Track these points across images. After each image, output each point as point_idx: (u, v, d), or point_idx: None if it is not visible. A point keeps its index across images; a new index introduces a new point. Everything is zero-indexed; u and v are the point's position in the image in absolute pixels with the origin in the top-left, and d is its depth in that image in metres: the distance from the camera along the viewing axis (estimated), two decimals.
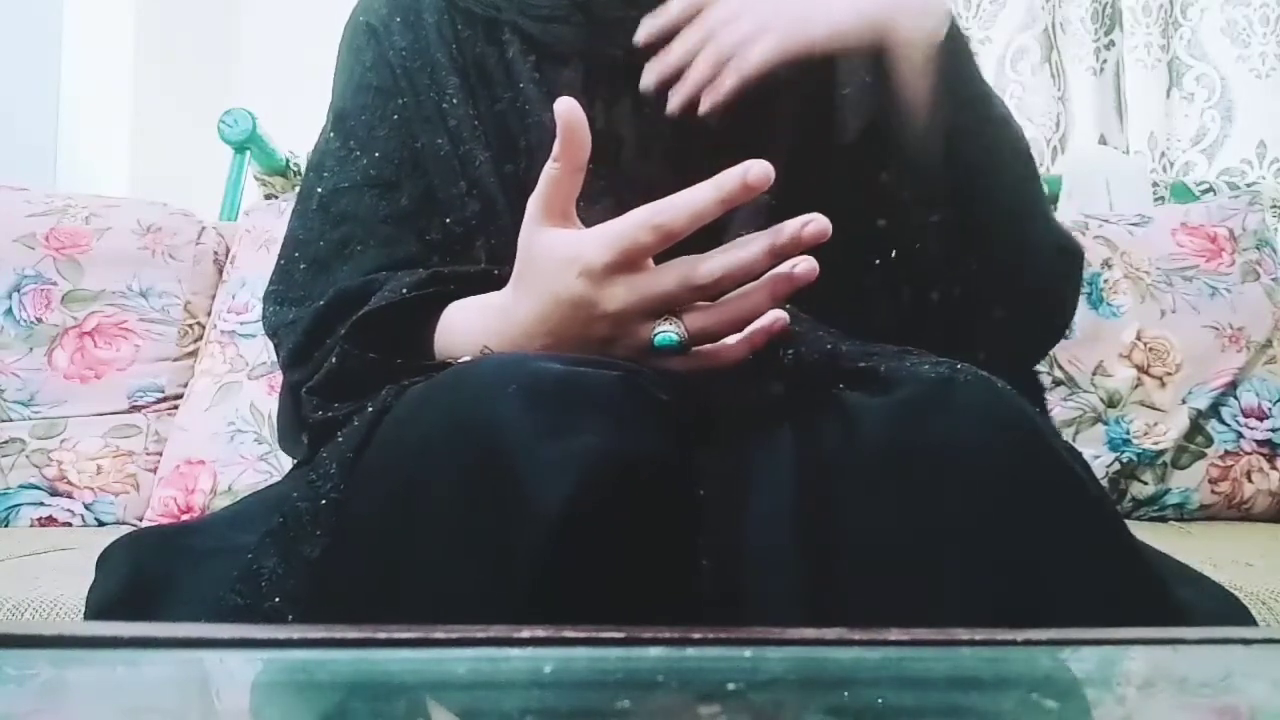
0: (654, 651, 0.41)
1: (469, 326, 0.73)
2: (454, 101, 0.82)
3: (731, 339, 0.65)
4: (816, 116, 0.82)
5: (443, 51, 0.84)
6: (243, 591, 0.62)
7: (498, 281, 0.74)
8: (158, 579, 0.67)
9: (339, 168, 0.83)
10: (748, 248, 0.62)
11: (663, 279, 0.63)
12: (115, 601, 0.67)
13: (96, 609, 0.69)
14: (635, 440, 0.56)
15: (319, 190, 0.83)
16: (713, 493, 0.60)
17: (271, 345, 0.84)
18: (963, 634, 0.45)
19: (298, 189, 0.89)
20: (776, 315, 0.65)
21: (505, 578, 0.53)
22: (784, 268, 0.63)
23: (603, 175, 0.77)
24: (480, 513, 0.54)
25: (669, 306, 0.64)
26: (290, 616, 0.59)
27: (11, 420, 1.44)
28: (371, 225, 0.81)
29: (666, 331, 0.64)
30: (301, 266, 0.81)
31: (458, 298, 0.75)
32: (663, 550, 0.57)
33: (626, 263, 0.63)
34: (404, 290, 0.74)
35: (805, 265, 0.63)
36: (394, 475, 0.58)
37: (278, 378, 1.46)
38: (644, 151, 0.81)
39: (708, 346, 0.65)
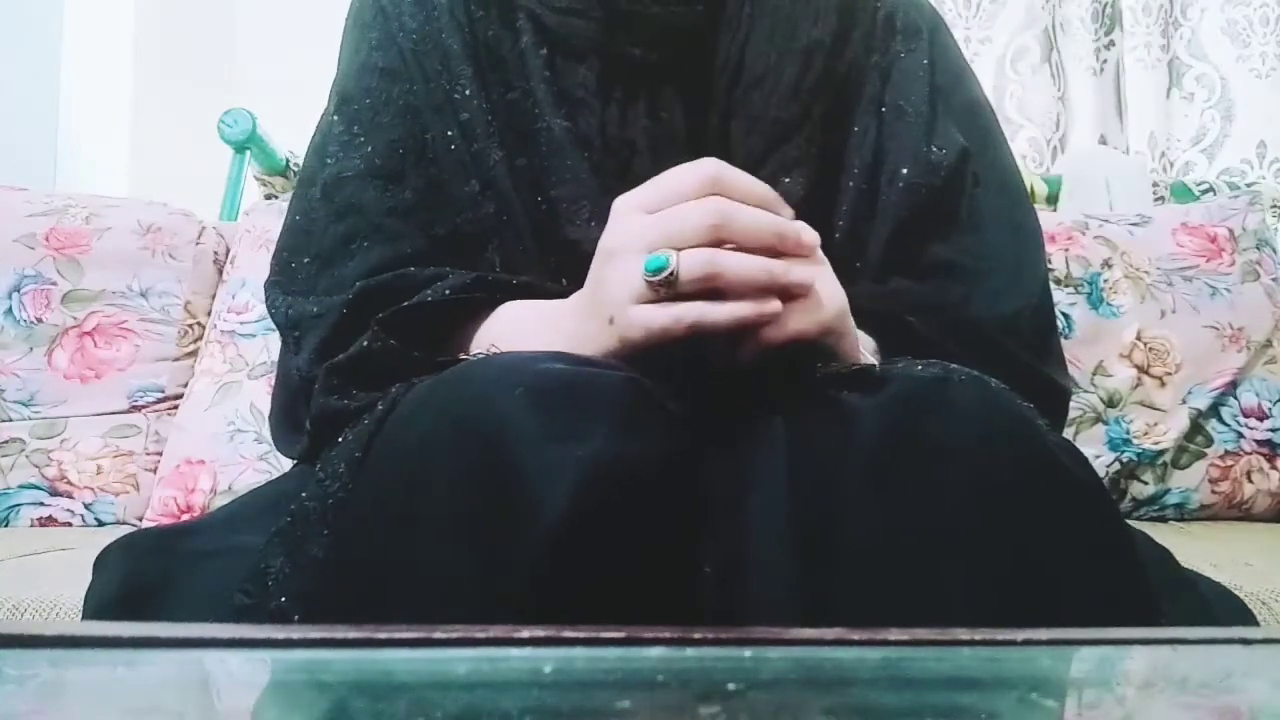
0: (654, 651, 0.41)
1: (521, 328, 0.72)
2: (466, 93, 0.80)
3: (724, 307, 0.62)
4: (829, 155, 0.81)
5: (455, 36, 0.81)
6: (250, 591, 0.62)
7: (542, 295, 0.73)
8: (154, 581, 0.67)
9: (342, 153, 0.81)
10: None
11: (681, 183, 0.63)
12: (112, 604, 0.67)
13: (94, 612, 0.69)
14: (640, 444, 0.56)
15: (322, 177, 0.81)
16: (712, 496, 0.60)
17: (283, 338, 0.81)
18: (962, 634, 0.45)
19: (299, 172, 0.87)
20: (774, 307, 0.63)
21: (508, 581, 0.53)
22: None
23: (611, 185, 0.77)
24: (484, 516, 0.54)
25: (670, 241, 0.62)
26: (297, 616, 0.59)
27: (11, 420, 1.44)
28: (376, 219, 0.79)
29: (662, 254, 0.61)
30: (305, 260, 0.80)
31: (497, 304, 0.74)
32: (665, 555, 0.57)
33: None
34: (447, 291, 0.73)
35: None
36: (398, 475, 0.58)
37: None
38: (657, 160, 0.77)
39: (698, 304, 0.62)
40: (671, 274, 0.61)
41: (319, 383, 0.73)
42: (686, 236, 0.62)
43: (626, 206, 0.66)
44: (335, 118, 0.83)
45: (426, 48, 0.81)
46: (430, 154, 0.80)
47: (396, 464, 0.58)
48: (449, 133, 0.80)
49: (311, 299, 0.77)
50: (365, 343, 0.71)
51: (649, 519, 0.56)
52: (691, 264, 0.61)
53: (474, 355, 0.70)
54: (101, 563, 0.71)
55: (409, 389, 0.63)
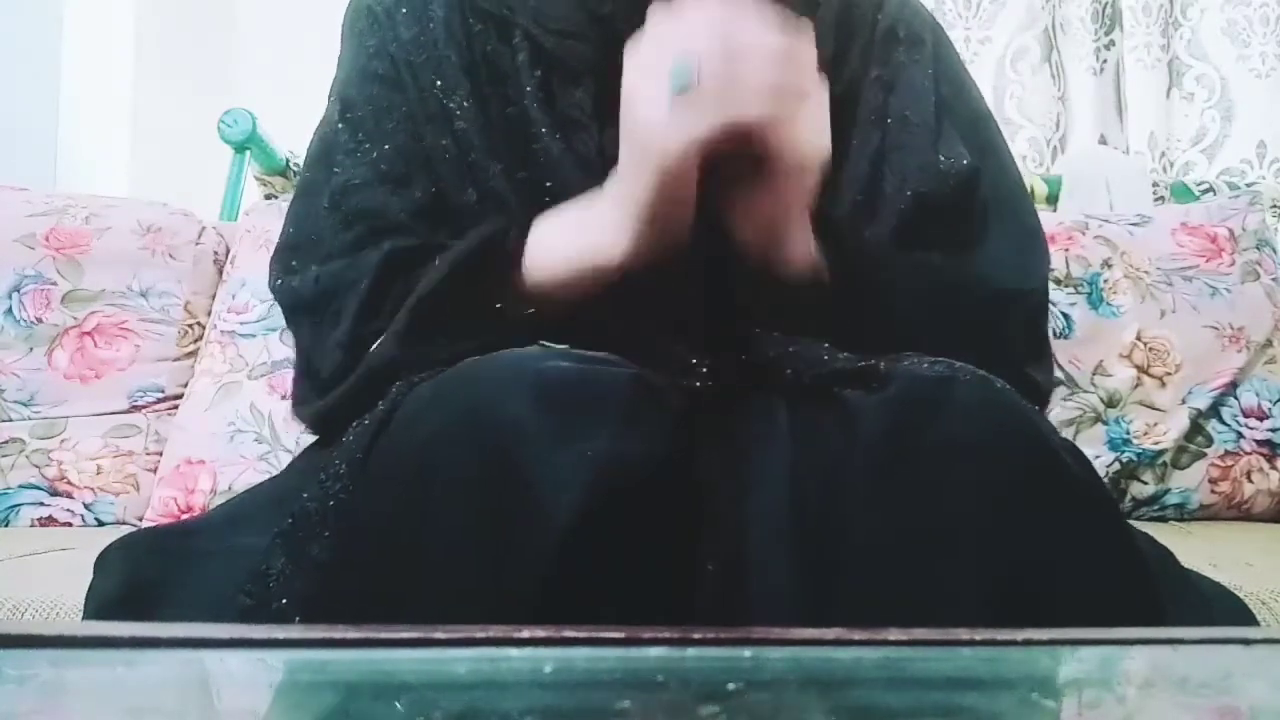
0: (654, 651, 0.41)
1: (567, 218, 0.74)
2: (465, 104, 0.79)
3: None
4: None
5: (451, 48, 0.80)
6: (252, 592, 0.62)
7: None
8: (155, 581, 0.67)
9: (349, 161, 0.79)
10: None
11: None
12: (113, 604, 0.67)
13: (95, 612, 0.69)
14: (646, 443, 0.57)
15: (330, 187, 0.79)
16: (714, 494, 0.60)
17: (313, 313, 0.78)
18: (963, 634, 0.45)
19: (298, 181, 0.85)
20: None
21: (515, 581, 0.53)
22: None
23: None
24: (490, 515, 0.54)
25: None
26: (297, 618, 0.59)
27: (11, 420, 1.44)
28: (391, 219, 0.77)
29: (682, 62, 0.65)
30: (313, 269, 0.78)
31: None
32: (669, 552, 0.57)
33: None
34: (488, 235, 0.74)
35: None
36: (403, 475, 0.58)
37: (278, 378, 1.46)
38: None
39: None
40: (697, 75, 0.65)
41: (395, 336, 0.72)
42: (702, 43, 0.65)
43: (638, 55, 0.69)
44: (340, 125, 0.82)
45: (420, 58, 0.81)
46: (430, 163, 0.80)
47: (402, 464, 0.58)
48: (443, 142, 0.79)
49: (339, 262, 0.76)
50: (431, 290, 0.72)
51: (654, 516, 0.56)
52: (712, 56, 0.65)
53: (535, 260, 0.72)
54: (102, 563, 0.71)
55: (411, 388, 0.63)
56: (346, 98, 0.82)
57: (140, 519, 1.41)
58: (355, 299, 0.74)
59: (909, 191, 0.79)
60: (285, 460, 0.85)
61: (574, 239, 0.72)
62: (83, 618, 0.71)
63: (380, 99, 0.81)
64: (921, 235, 0.79)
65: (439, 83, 0.80)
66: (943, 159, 0.80)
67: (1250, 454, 1.42)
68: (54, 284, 1.49)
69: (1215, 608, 0.68)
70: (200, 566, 0.67)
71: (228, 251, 1.60)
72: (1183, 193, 1.80)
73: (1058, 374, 1.45)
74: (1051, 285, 1.46)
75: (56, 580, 0.97)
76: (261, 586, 0.61)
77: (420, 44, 0.81)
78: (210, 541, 0.69)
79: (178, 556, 0.68)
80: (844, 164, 0.80)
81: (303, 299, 0.78)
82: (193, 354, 1.52)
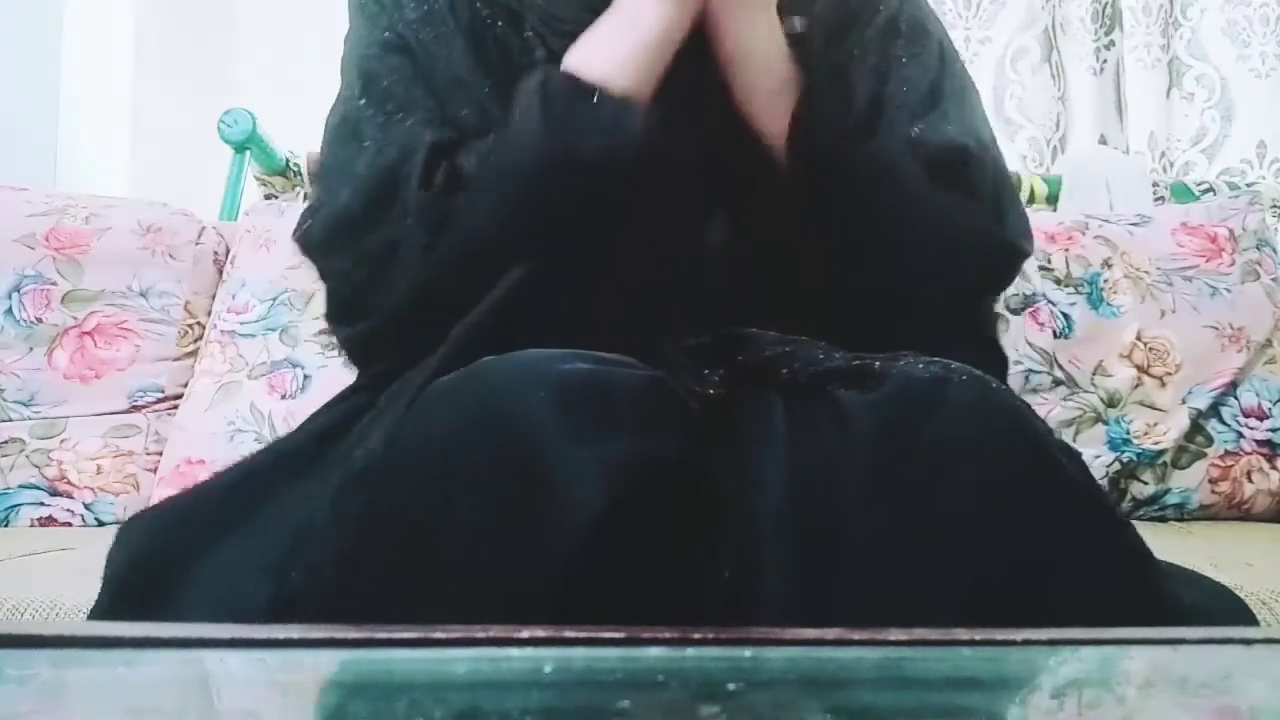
0: (654, 651, 0.41)
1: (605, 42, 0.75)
2: (485, 92, 0.78)
3: None
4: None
5: (459, 32, 0.79)
6: (296, 561, 0.62)
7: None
8: (173, 554, 0.67)
9: (381, 135, 0.76)
10: None
11: None
12: (130, 580, 0.67)
13: (114, 588, 0.68)
14: (663, 445, 0.57)
15: (362, 158, 0.76)
16: (723, 496, 0.60)
17: (379, 190, 0.75)
18: (963, 634, 0.45)
19: (320, 160, 0.83)
20: None
21: (532, 580, 0.53)
22: None
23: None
24: (508, 513, 0.55)
25: None
26: (313, 610, 0.59)
27: (11, 420, 1.44)
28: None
29: None
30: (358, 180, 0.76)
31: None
32: (676, 552, 0.57)
33: None
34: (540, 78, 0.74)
35: None
36: (420, 472, 0.58)
37: (278, 378, 1.46)
38: (661, 179, 0.76)
39: None
40: None
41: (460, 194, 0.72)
42: None
43: None
44: (362, 101, 0.79)
45: (430, 36, 0.79)
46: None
47: (420, 460, 0.58)
48: (463, 112, 0.78)
49: (387, 157, 0.75)
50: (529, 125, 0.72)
51: (668, 518, 0.56)
52: None
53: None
54: (124, 535, 0.70)
55: (425, 383, 0.63)
56: (368, 72, 0.80)
57: None
58: (412, 180, 0.73)
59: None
60: None
61: (612, 33, 0.74)
62: (99, 592, 0.69)
63: (405, 69, 0.79)
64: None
65: (449, 59, 0.79)
66: (916, 130, 0.79)
67: (1250, 454, 1.42)
68: (54, 284, 1.49)
69: (1215, 608, 0.68)
70: (220, 542, 0.66)
71: (228, 251, 1.60)
72: (1183, 193, 1.80)
73: (1058, 374, 1.45)
74: (1051, 285, 1.48)
75: (56, 580, 0.97)
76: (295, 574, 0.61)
77: (427, 22, 0.80)
78: (231, 514, 0.69)
79: (198, 528, 0.68)
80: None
81: (355, 209, 0.75)
82: (193, 354, 1.52)
